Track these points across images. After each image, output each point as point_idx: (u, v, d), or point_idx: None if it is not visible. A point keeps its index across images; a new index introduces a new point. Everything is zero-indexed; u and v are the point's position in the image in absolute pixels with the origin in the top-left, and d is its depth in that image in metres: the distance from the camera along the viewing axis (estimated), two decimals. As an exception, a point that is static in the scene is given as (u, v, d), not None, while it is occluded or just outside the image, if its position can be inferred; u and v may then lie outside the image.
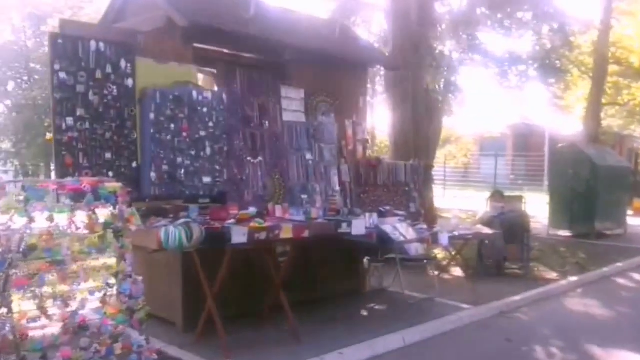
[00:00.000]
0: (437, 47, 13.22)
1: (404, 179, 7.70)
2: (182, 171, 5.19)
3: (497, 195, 9.21)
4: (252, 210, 5.17)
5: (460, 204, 17.24)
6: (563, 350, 5.28)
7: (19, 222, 3.45)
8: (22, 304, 3.47)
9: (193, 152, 5.28)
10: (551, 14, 13.57)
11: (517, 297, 6.87)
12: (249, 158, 5.86)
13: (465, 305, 6.34)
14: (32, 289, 3.49)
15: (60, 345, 3.55)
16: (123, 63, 5.01)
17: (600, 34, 17.23)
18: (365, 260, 7.03)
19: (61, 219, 3.63)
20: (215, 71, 6.09)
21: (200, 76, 7.78)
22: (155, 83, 5.14)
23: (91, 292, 3.72)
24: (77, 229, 3.66)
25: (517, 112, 23.94)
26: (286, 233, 4.86)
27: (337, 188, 6.69)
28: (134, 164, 5.05)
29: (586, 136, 16.85)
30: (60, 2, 18.21)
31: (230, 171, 5.63)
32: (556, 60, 15.22)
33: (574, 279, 8.13)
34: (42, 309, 3.53)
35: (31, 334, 3.48)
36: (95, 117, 4.84)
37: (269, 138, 6.10)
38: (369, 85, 14.17)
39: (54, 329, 3.58)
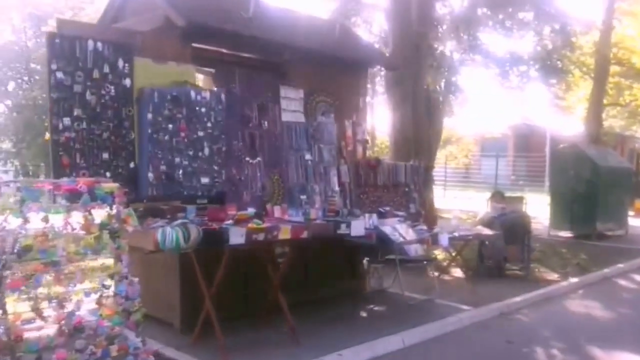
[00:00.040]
0: (437, 47, 13.19)
1: (403, 180, 7.67)
2: (180, 171, 5.16)
3: (497, 196, 9.18)
4: (251, 210, 5.15)
5: (461, 205, 17.23)
6: (564, 352, 5.25)
7: (13, 222, 3.42)
8: (17, 306, 3.44)
9: (191, 153, 5.25)
10: (552, 15, 13.53)
11: (517, 298, 6.83)
12: (247, 158, 5.83)
13: (465, 307, 6.31)
14: (27, 289, 3.47)
15: (55, 347, 3.52)
16: (121, 63, 4.98)
17: (601, 34, 17.19)
18: (365, 261, 7.00)
19: (57, 220, 3.61)
20: (213, 71, 6.05)
21: (201, 76, 7.78)
22: (153, 83, 5.11)
23: (87, 294, 3.69)
24: (73, 229, 3.63)
25: (518, 113, 23.93)
26: (284, 234, 4.83)
27: (337, 188, 6.66)
28: (132, 164, 5.02)
29: (587, 137, 16.81)
30: (61, 2, 18.23)
31: (228, 171, 5.60)
32: (557, 61, 15.18)
33: (574, 280, 8.09)
34: (37, 311, 3.50)
35: (26, 335, 3.46)
36: (92, 117, 4.81)
37: (268, 138, 6.06)
38: (369, 86, 14.17)
39: (49, 330, 3.55)
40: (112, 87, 4.92)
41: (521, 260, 8.19)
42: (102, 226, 3.76)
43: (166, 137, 5.09)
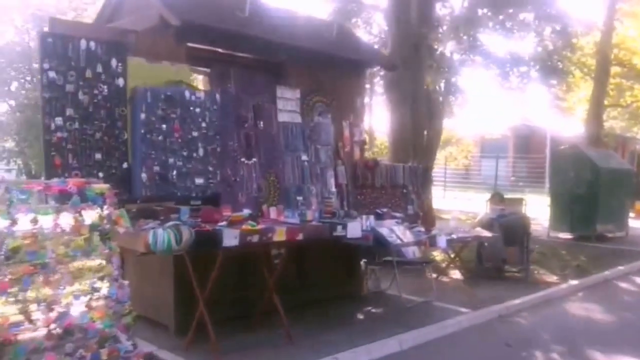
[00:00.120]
0: (437, 48, 13.14)
1: (402, 181, 7.61)
2: (174, 172, 5.09)
3: (496, 198, 9.14)
4: (246, 212, 5.08)
5: (461, 206, 17.19)
6: (563, 355, 5.20)
7: (1, 224, 3.36)
8: (4, 309, 3.38)
9: (185, 153, 5.19)
10: (553, 15, 13.46)
11: (516, 301, 6.78)
12: (243, 159, 5.76)
13: (463, 309, 6.26)
14: (16, 292, 3.41)
15: (44, 351, 3.46)
16: (114, 62, 4.92)
17: (602, 35, 17.14)
18: (363, 262, 6.94)
19: (46, 221, 3.55)
20: (209, 70, 5.99)
21: (199, 77, 7.72)
22: (147, 82, 5.04)
23: (76, 297, 3.63)
24: (62, 231, 3.57)
25: (518, 114, 23.87)
26: (279, 236, 4.78)
27: (333, 190, 6.60)
28: (125, 165, 4.95)
29: (588, 138, 16.76)
30: (63, 3, 18.23)
31: (223, 172, 5.53)
32: (558, 62, 15.10)
33: (574, 282, 8.03)
34: (25, 314, 3.44)
35: (14, 338, 3.39)
36: (85, 117, 4.74)
37: (264, 139, 6.00)
38: (368, 86, 14.13)
39: (38, 333, 3.49)
40: (105, 87, 4.86)
41: (520, 262, 8.13)
42: (93, 228, 3.70)
43: (160, 138, 5.03)
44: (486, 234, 7.04)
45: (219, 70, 5.88)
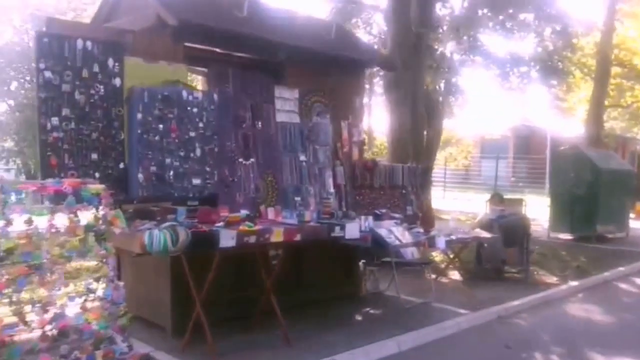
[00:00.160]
0: (437, 48, 13.12)
1: (401, 182, 7.58)
2: (171, 172, 5.07)
3: (496, 198, 9.11)
4: (243, 212, 5.06)
5: (461, 206, 17.16)
6: (563, 357, 5.17)
7: (-5, 224, 3.34)
8: (-2, 310, 3.36)
9: (182, 153, 5.16)
10: (553, 16, 13.46)
11: (516, 302, 6.74)
12: (240, 159, 5.74)
13: (463, 310, 6.22)
14: (10, 293, 3.38)
15: (39, 352, 3.44)
16: (111, 62, 4.90)
17: (603, 35, 17.12)
18: (361, 263, 6.91)
19: (41, 222, 3.53)
20: (206, 70, 5.97)
21: (197, 77, 7.69)
22: (144, 82, 5.02)
23: (71, 298, 3.60)
24: (57, 231, 3.54)
25: (518, 114, 23.88)
26: (277, 236, 4.75)
27: (332, 190, 6.57)
28: (121, 165, 4.93)
29: (588, 138, 16.75)
30: (63, 3, 18.23)
31: (221, 173, 5.51)
32: (558, 62, 15.10)
33: (574, 283, 8.00)
34: (19, 315, 3.41)
35: (8, 340, 3.37)
36: (81, 117, 4.72)
37: (262, 139, 5.97)
38: (367, 86, 14.12)
39: (33, 335, 3.46)
40: (102, 87, 4.84)
41: (520, 263, 8.10)
42: (88, 228, 3.68)
43: (157, 138, 5.01)
44: (486, 234, 7.01)
45: (216, 70, 5.86)
